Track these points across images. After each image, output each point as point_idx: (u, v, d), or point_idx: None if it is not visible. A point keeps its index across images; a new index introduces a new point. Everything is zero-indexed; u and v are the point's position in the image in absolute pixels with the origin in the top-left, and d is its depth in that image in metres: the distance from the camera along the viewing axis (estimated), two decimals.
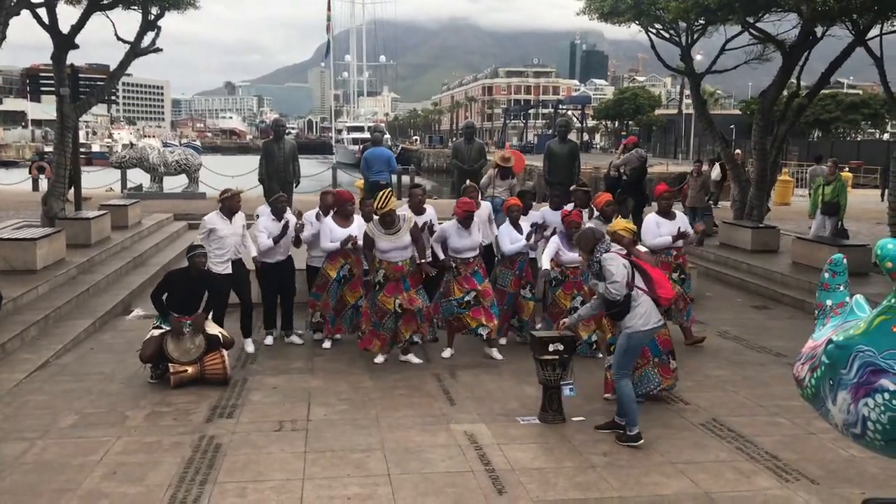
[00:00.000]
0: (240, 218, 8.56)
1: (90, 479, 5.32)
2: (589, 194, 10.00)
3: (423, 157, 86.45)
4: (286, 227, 8.65)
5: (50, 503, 4.97)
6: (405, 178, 28.28)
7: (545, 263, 8.44)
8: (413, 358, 8.29)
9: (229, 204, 8.42)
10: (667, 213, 9.11)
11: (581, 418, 6.61)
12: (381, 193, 8.21)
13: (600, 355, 8.44)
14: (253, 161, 18.58)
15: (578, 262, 8.30)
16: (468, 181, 10.91)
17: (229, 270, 8.41)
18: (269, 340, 8.94)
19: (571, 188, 11.22)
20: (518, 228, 8.80)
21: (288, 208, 9.04)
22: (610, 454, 5.87)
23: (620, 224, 7.21)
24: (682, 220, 9.11)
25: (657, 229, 9.00)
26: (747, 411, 6.89)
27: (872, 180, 37.69)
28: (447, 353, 8.52)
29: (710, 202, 19.14)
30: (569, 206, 9.63)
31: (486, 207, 9.85)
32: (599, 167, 34.21)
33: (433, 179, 62.85)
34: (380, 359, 8.26)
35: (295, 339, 9.03)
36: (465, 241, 8.41)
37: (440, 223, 9.03)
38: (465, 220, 8.40)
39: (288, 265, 8.92)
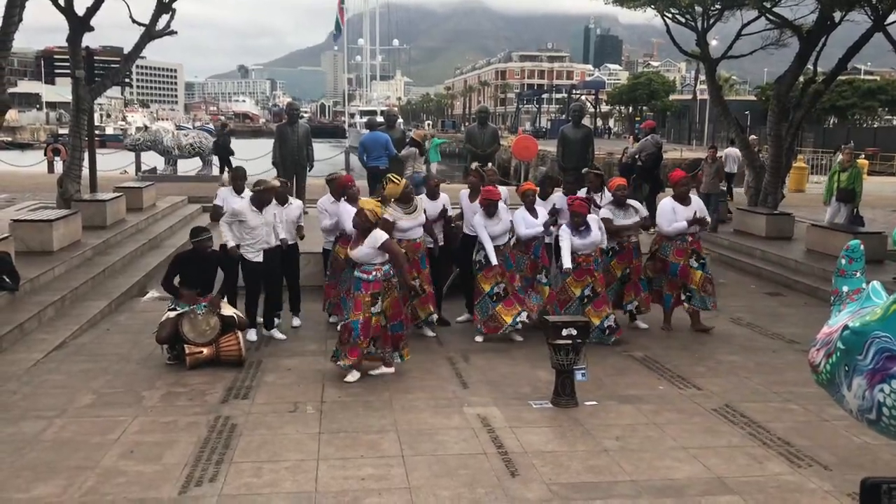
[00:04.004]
0: (272, 208, 8.34)
1: (108, 458, 5.39)
2: (602, 178, 9.96)
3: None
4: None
5: (68, 480, 5.04)
6: None
7: (566, 262, 8.40)
8: (428, 331, 8.67)
9: (260, 198, 8.18)
10: (683, 199, 9.09)
11: (593, 403, 6.63)
12: (389, 177, 8.57)
13: (612, 339, 8.46)
14: (266, 144, 18.63)
15: (590, 249, 8.35)
16: (475, 164, 11.00)
17: (260, 258, 8.22)
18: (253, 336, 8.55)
19: (584, 170, 11.23)
20: (533, 213, 8.78)
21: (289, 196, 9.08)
22: (622, 438, 5.89)
23: (369, 204, 7.24)
24: (697, 205, 9.07)
25: (673, 215, 8.95)
26: (760, 397, 6.90)
27: (889, 167, 37.43)
28: (478, 337, 8.65)
29: (725, 188, 19.03)
30: (581, 192, 9.64)
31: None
32: (613, 153, 34.07)
33: (445, 164, 62.67)
34: None
35: (296, 321, 9.05)
36: (496, 227, 8.44)
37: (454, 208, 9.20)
38: (487, 209, 8.43)
39: (276, 252, 8.53)
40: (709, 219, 9.12)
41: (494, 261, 8.34)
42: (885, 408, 3.25)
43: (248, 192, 8.87)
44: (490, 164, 11.53)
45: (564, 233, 8.43)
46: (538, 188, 9.21)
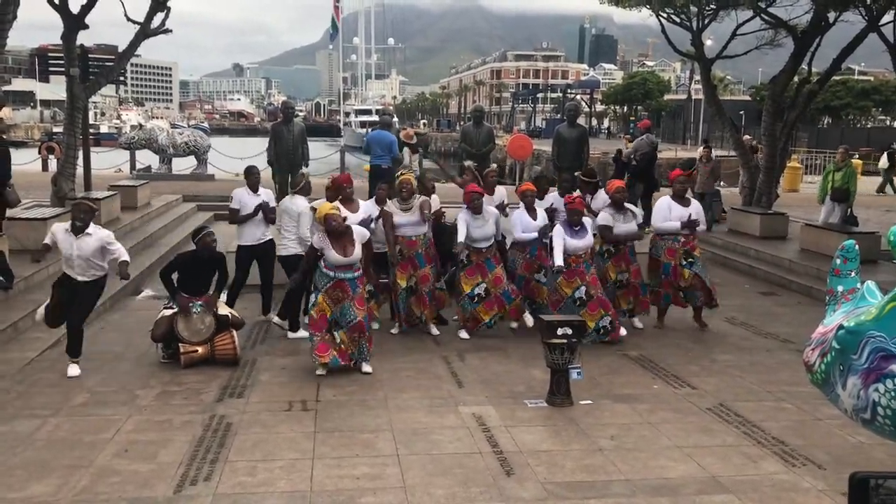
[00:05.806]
0: (69, 237, 7.74)
1: (102, 457, 5.38)
2: (593, 185, 9.95)
3: (430, 141, 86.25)
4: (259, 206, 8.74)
5: (62, 479, 5.03)
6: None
7: (558, 260, 8.41)
8: (433, 329, 8.74)
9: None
10: (681, 198, 9.06)
11: (588, 402, 6.64)
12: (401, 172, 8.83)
13: (606, 338, 8.44)
14: (261, 143, 18.60)
15: (582, 251, 8.32)
16: (468, 162, 11.12)
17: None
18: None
19: (576, 173, 11.24)
20: (532, 213, 8.80)
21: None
22: (617, 437, 5.90)
23: (327, 207, 7.29)
24: (695, 207, 9.04)
25: (668, 213, 8.94)
26: (754, 396, 6.91)
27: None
28: (463, 334, 8.67)
29: (719, 188, 19.03)
30: (576, 193, 9.64)
31: (499, 195, 9.82)
32: (608, 152, 34.04)
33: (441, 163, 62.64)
34: (395, 329, 8.78)
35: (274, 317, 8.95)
36: (478, 230, 8.40)
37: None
38: (473, 205, 8.40)
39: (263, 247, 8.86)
40: (702, 223, 9.02)
41: (459, 247, 8.40)
42: (880, 407, 3.25)
43: (263, 191, 8.89)
44: (494, 165, 11.67)
45: (558, 232, 8.42)
46: (537, 188, 9.25)
